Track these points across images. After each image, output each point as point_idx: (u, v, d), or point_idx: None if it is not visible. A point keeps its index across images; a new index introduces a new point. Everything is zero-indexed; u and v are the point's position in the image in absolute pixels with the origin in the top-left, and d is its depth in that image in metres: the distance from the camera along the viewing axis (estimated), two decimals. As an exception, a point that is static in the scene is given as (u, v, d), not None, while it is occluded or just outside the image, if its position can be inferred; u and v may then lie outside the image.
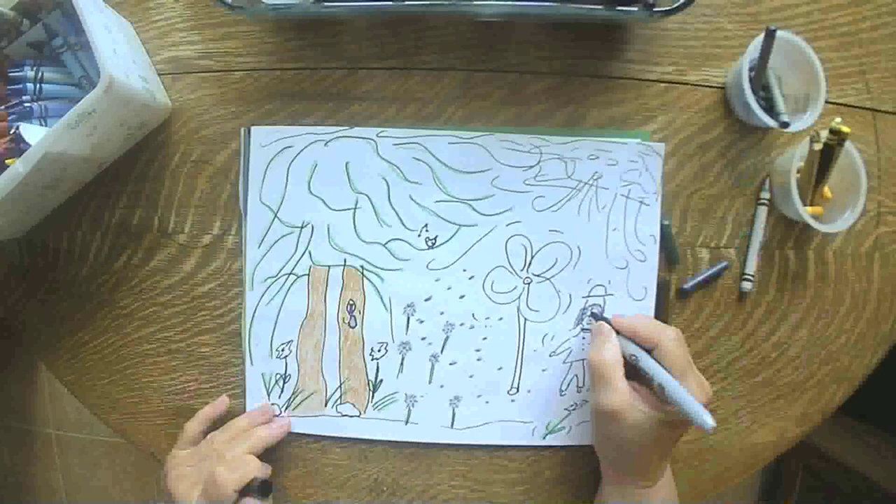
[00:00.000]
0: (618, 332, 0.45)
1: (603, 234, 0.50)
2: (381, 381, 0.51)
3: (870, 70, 0.51)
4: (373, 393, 0.51)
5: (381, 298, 0.50)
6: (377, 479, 0.52)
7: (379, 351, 0.50)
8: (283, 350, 0.51)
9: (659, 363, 0.42)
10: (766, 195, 0.50)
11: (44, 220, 0.52)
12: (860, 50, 0.51)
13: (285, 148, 0.50)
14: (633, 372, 0.43)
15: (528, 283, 0.50)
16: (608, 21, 0.49)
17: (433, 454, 0.51)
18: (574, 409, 0.51)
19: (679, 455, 0.51)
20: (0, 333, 1.20)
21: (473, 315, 0.50)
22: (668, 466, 0.46)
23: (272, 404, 0.51)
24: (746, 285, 0.50)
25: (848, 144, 0.46)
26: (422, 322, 0.50)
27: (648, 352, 0.43)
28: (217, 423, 0.50)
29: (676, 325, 0.50)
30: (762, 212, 0.50)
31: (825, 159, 0.47)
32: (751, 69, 0.47)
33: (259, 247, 0.50)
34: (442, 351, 0.50)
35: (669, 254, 0.50)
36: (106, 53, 0.41)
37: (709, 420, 0.37)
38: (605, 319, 0.47)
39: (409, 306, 0.50)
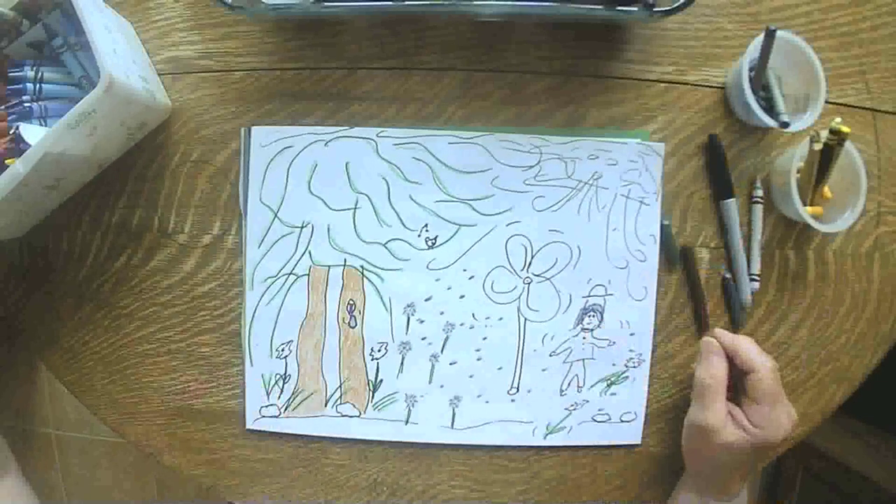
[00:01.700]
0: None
1: (603, 233, 0.50)
2: (381, 381, 0.51)
3: (870, 70, 0.51)
4: (373, 393, 0.51)
5: (381, 298, 0.50)
6: (377, 480, 0.52)
7: (379, 351, 0.50)
8: (283, 350, 0.51)
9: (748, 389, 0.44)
10: (759, 193, 0.50)
11: (44, 220, 0.52)
12: (860, 50, 0.51)
13: (285, 148, 0.50)
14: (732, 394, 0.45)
15: (528, 283, 0.50)
16: (608, 21, 0.49)
17: (433, 454, 0.51)
18: (574, 409, 0.51)
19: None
20: (0, 333, 1.20)
21: (473, 315, 0.50)
22: (745, 486, 0.47)
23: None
24: (754, 285, 0.50)
25: (848, 144, 0.46)
26: (422, 322, 0.50)
27: (744, 375, 0.44)
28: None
29: (677, 325, 0.51)
30: (758, 209, 0.50)
31: (825, 159, 0.47)
32: (751, 69, 0.47)
33: (259, 247, 0.50)
34: (442, 351, 0.50)
35: (669, 254, 0.50)
36: (106, 53, 0.40)
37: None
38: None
39: (409, 306, 0.50)
